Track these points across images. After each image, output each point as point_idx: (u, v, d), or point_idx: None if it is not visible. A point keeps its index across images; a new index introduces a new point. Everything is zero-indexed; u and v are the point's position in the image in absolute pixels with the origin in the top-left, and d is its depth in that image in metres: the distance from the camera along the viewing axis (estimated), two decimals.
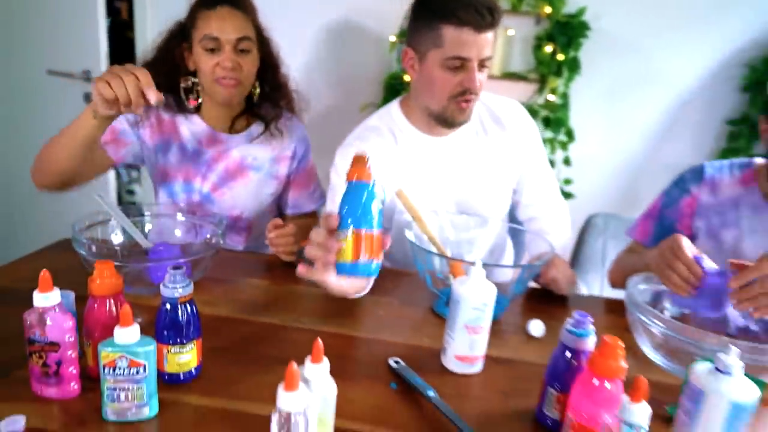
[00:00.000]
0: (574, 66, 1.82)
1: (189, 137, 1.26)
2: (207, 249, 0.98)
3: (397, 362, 0.81)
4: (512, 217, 1.35)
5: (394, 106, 1.26)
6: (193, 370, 0.73)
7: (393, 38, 1.91)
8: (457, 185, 1.25)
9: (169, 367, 0.71)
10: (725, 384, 0.59)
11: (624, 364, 0.61)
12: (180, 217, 1.14)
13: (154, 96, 0.87)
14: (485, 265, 0.82)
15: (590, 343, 0.68)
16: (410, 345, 0.89)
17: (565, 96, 1.86)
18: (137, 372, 0.63)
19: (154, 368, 0.64)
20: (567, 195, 1.96)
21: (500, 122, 1.25)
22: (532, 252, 1.17)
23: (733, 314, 0.97)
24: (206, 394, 0.72)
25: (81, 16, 1.98)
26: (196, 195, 1.28)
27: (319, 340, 0.58)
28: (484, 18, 1.02)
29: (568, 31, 1.79)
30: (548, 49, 1.81)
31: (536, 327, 0.95)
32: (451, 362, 0.82)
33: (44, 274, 0.64)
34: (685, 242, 0.94)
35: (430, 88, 1.12)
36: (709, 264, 0.92)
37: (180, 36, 1.21)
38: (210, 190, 1.28)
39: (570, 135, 1.90)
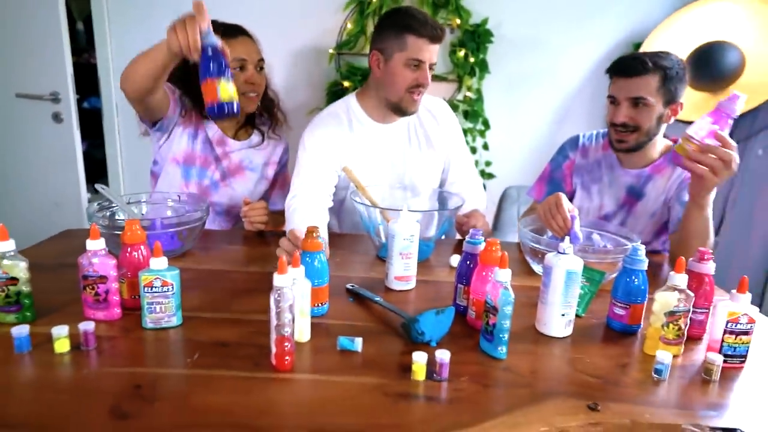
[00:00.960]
0: (483, 66, 2.18)
1: (209, 133, 1.53)
2: (195, 221, 1.24)
3: (352, 285, 1.10)
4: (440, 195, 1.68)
5: (352, 97, 1.58)
6: (234, 105, 1.02)
7: (331, 50, 2.21)
8: (399, 164, 1.57)
9: (223, 95, 0.99)
10: (562, 260, 0.92)
11: (499, 254, 0.93)
12: (170, 203, 1.38)
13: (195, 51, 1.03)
14: (411, 211, 1.12)
15: (480, 248, 0.99)
16: (362, 277, 1.18)
17: (479, 92, 2.22)
18: (168, 290, 0.89)
19: (179, 287, 0.90)
20: (489, 175, 2.32)
21: (433, 115, 1.61)
22: (451, 207, 1.50)
23: (595, 239, 1.32)
24: (215, 311, 0.98)
25: (47, 43, 2.16)
26: (207, 180, 1.54)
27: (298, 253, 0.87)
28: (437, 34, 1.40)
29: (475, 38, 2.15)
30: (461, 53, 2.16)
31: (455, 260, 1.27)
32: (392, 282, 1.12)
33: (93, 227, 0.89)
34: (564, 200, 1.26)
35: (393, 82, 1.45)
36: (577, 221, 1.25)
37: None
38: (219, 179, 1.56)
39: (486, 124, 2.26)
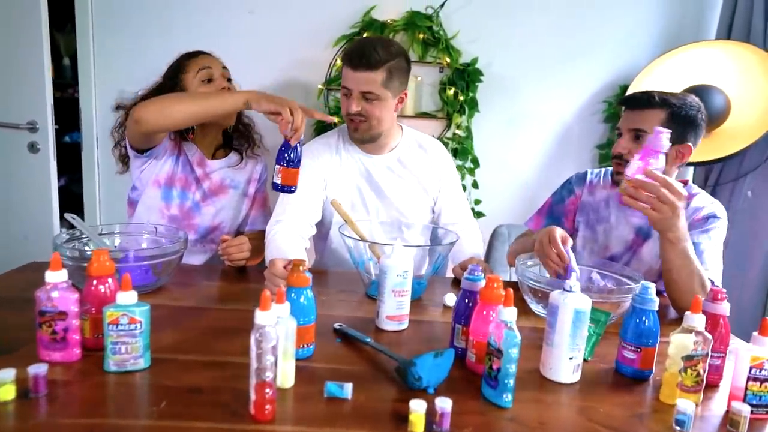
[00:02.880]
0: (472, 105, 2.18)
1: (188, 154, 1.50)
2: (172, 254, 1.15)
3: (340, 325, 1.02)
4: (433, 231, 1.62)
5: (344, 127, 1.56)
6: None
7: (320, 86, 2.19)
8: (386, 197, 1.52)
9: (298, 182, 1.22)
10: (569, 298, 0.85)
11: (502, 291, 0.86)
12: (146, 234, 1.30)
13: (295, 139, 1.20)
14: (405, 245, 1.06)
15: (481, 285, 0.92)
16: (350, 316, 1.10)
17: (468, 129, 2.20)
18: (136, 328, 0.79)
19: (148, 325, 0.81)
20: (479, 214, 2.27)
21: (425, 150, 1.58)
22: (457, 259, 1.43)
23: (595, 278, 1.26)
24: (188, 352, 0.89)
25: (28, 71, 2.10)
26: (188, 202, 1.49)
27: (282, 287, 0.78)
28: (356, 62, 1.37)
29: (465, 77, 2.15)
30: (451, 92, 2.16)
31: (450, 298, 1.19)
32: (383, 322, 1.04)
33: (55, 256, 0.80)
34: (557, 232, 1.21)
35: (341, 110, 1.47)
36: (572, 255, 1.20)
37: (170, 85, 1.45)
38: (199, 200, 1.51)
39: (475, 162, 2.23)
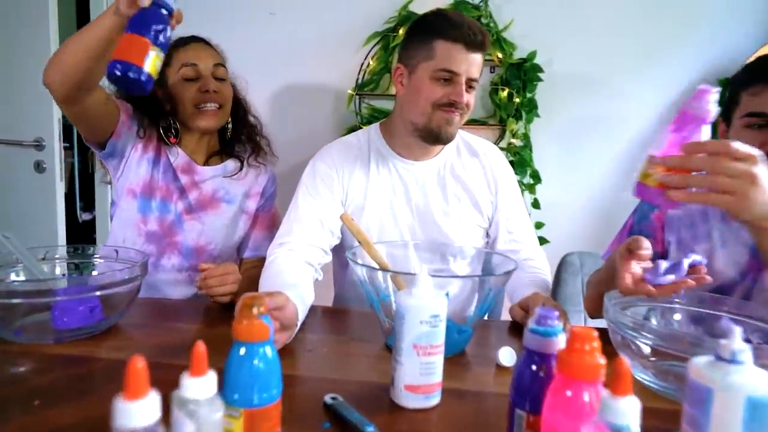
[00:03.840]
0: (531, 108, 1.81)
1: (171, 159, 1.24)
2: (122, 282, 0.85)
3: (334, 398, 0.66)
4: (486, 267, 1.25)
5: (374, 127, 1.25)
6: (150, 82, 0.77)
7: (350, 91, 1.89)
8: (427, 216, 1.19)
9: (150, 67, 0.76)
10: (737, 375, 0.46)
11: (602, 360, 0.48)
12: (98, 260, 1.00)
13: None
14: (435, 276, 0.69)
15: (560, 344, 0.54)
16: (357, 381, 0.74)
17: (526, 137, 1.83)
18: None
19: None
20: (542, 240, 1.86)
21: (477, 155, 1.25)
22: (516, 296, 1.06)
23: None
24: None
25: (36, 88, 1.94)
26: (170, 215, 1.22)
27: (201, 344, 0.44)
28: (476, 38, 1.07)
29: (521, 75, 1.79)
30: (505, 93, 1.80)
31: (507, 355, 0.81)
32: (400, 395, 0.67)
33: None
34: (640, 241, 0.83)
35: (417, 98, 1.12)
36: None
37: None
38: (181, 212, 1.23)
39: (536, 177, 1.84)
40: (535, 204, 1.86)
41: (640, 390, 0.74)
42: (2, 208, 2.07)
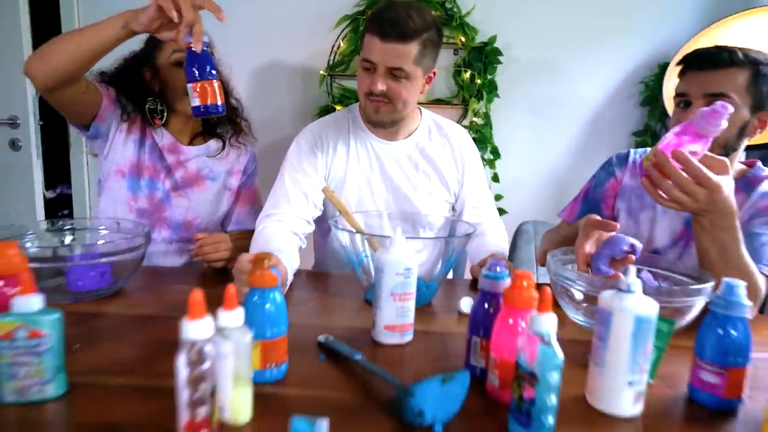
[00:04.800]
0: (491, 89, 1.95)
1: (157, 140, 1.32)
2: (127, 251, 0.96)
3: (326, 338, 0.80)
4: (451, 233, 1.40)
5: (354, 107, 1.36)
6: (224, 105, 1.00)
7: (322, 72, 1.99)
8: (400, 190, 1.31)
9: (221, 97, 0.98)
10: (628, 301, 0.62)
11: (535, 293, 0.63)
12: (103, 230, 1.10)
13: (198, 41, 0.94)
14: (408, 238, 0.84)
15: (505, 285, 0.70)
16: (342, 327, 0.88)
17: (487, 116, 1.98)
18: (38, 344, 0.59)
19: (59, 340, 0.60)
20: (501, 211, 2.04)
21: (447, 137, 1.36)
22: (476, 258, 1.21)
23: (646, 276, 1.03)
24: (123, 373, 0.68)
25: (8, 64, 1.95)
26: (159, 192, 1.31)
27: (231, 286, 0.57)
28: (391, 29, 1.13)
29: (482, 58, 1.93)
30: (467, 74, 1.94)
31: (467, 303, 0.97)
32: (380, 334, 0.82)
33: None
34: (595, 219, 0.99)
35: (358, 88, 1.24)
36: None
37: (142, 61, 1.29)
38: (170, 189, 1.32)
39: (495, 153, 2.01)
40: (495, 178, 2.03)
41: (576, 328, 0.91)
42: None
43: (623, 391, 0.63)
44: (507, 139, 2.04)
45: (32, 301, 0.59)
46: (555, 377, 0.54)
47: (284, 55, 2.02)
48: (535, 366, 0.55)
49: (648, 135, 1.99)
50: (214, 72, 0.97)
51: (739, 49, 1.02)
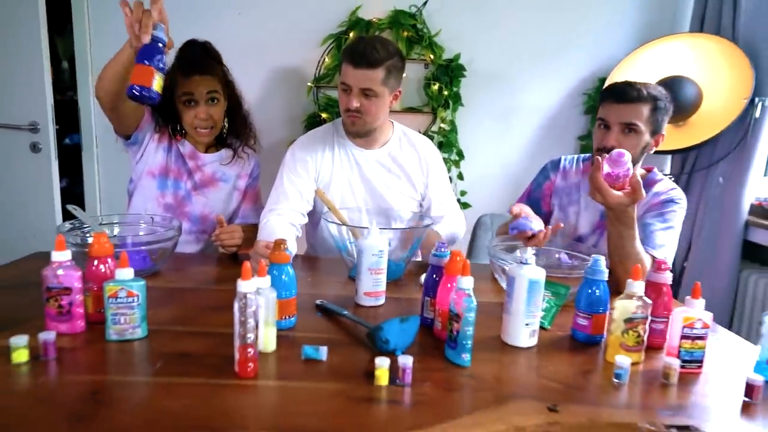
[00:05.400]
0: (456, 99, 2.26)
1: (181, 148, 1.60)
2: (167, 240, 1.25)
3: (321, 302, 1.11)
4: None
5: (338, 121, 1.65)
6: (157, 98, 1.06)
7: (309, 84, 2.27)
8: (376, 190, 1.61)
9: (156, 84, 1.05)
10: (525, 270, 0.94)
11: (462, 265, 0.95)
12: (143, 224, 1.39)
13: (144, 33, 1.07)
14: (380, 228, 1.15)
15: (446, 260, 1.01)
16: (333, 295, 1.18)
17: (452, 123, 2.29)
18: (133, 301, 0.88)
19: (144, 299, 0.90)
20: (465, 204, 2.36)
21: (416, 150, 1.65)
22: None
23: (563, 257, 1.35)
24: (182, 325, 0.98)
25: (29, 74, 2.19)
26: (182, 191, 1.59)
27: (264, 263, 0.88)
28: (361, 59, 1.43)
29: (448, 72, 2.23)
30: (435, 87, 2.24)
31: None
32: (361, 298, 1.13)
33: (59, 238, 0.89)
34: (520, 206, 1.31)
35: (339, 105, 1.54)
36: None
37: (168, 89, 1.51)
38: (190, 189, 1.60)
39: (460, 154, 2.32)
40: (460, 176, 2.34)
41: (503, 291, 1.23)
42: (2, 186, 2.33)
43: (522, 329, 0.95)
44: (470, 142, 2.35)
45: (127, 272, 0.88)
46: (472, 316, 0.85)
47: (276, 68, 2.29)
48: (461, 310, 0.86)
49: (590, 139, 2.32)
50: (158, 64, 1.06)
51: (643, 86, 1.34)
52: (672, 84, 2.07)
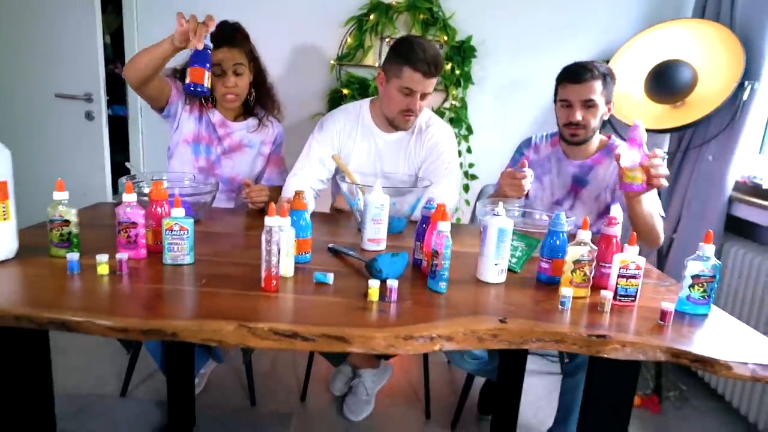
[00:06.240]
0: (467, 78, 2.44)
1: (212, 117, 1.83)
2: (207, 192, 1.50)
3: (333, 245, 1.35)
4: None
5: (366, 103, 1.85)
6: (207, 91, 1.42)
7: (332, 62, 2.49)
8: (387, 167, 1.82)
9: (207, 82, 1.40)
10: (495, 220, 1.16)
11: (448, 215, 1.17)
12: (186, 181, 1.65)
13: (199, 42, 1.37)
14: (383, 187, 1.37)
15: (432, 212, 1.23)
16: (343, 241, 1.42)
17: (463, 101, 2.48)
18: (184, 233, 1.14)
19: (192, 233, 1.15)
20: (473, 176, 2.56)
21: (424, 132, 1.83)
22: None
23: (541, 218, 1.56)
24: (220, 257, 1.23)
25: (83, 50, 2.47)
26: (213, 156, 1.84)
27: (285, 205, 1.11)
28: (431, 71, 1.61)
29: (461, 53, 2.41)
30: (448, 66, 2.43)
31: None
32: (365, 244, 1.36)
33: (128, 184, 1.15)
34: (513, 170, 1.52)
35: (389, 102, 1.72)
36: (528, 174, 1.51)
37: None
38: (220, 154, 1.85)
39: (469, 129, 2.51)
40: (469, 150, 2.54)
41: None
42: (59, 150, 2.63)
43: (492, 268, 1.17)
44: (479, 118, 2.54)
45: (180, 211, 1.13)
46: (448, 252, 1.07)
47: (303, 46, 2.51)
48: (439, 248, 1.08)
49: None
50: (207, 65, 1.39)
51: (594, 65, 1.54)
52: (668, 67, 2.21)
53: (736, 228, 2.17)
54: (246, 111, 1.90)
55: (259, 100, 1.90)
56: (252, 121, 1.90)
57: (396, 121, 1.73)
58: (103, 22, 3.58)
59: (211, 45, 1.41)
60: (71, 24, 2.46)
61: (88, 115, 2.54)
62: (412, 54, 1.60)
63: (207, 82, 1.40)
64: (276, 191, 1.81)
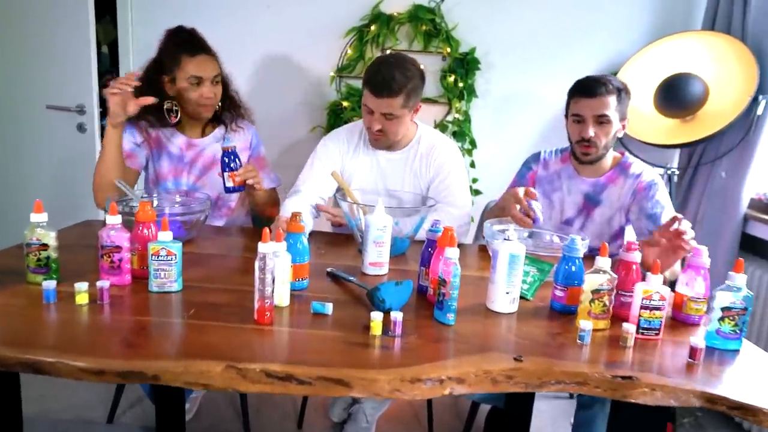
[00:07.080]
0: (471, 91, 2.37)
1: (173, 146, 1.71)
2: (198, 212, 1.42)
3: (332, 269, 1.26)
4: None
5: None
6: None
7: (332, 73, 2.42)
8: (391, 184, 1.74)
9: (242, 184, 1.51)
10: (506, 245, 1.07)
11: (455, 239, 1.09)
12: (177, 198, 1.57)
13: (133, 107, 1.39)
14: (385, 207, 1.29)
15: (439, 235, 1.15)
16: (342, 264, 1.34)
17: (466, 114, 2.40)
18: (171, 259, 1.05)
19: (180, 258, 1.07)
20: (476, 191, 2.48)
21: (430, 153, 1.73)
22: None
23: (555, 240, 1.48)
24: (211, 283, 1.15)
25: (77, 60, 2.40)
26: (183, 187, 1.73)
27: (280, 228, 1.03)
28: (380, 93, 1.53)
29: (464, 65, 2.34)
30: (451, 79, 2.36)
31: None
32: (367, 268, 1.28)
33: (113, 205, 1.07)
34: (522, 190, 1.43)
35: (363, 120, 1.66)
36: (536, 206, 1.42)
37: (161, 70, 1.64)
38: (194, 182, 1.74)
39: (473, 143, 2.44)
40: (472, 164, 2.46)
41: None
42: (51, 160, 2.55)
43: (502, 297, 1.08)
44: (482, 132, 2.46)
45: (167, 235, 1.05)
46: (456, 281, 0.99)
47: (303, 58, 2.44)
48: (447, 276, 1.00)
49: None
50: (239, 164, 1.51)
51: (607, 80, 1.47)
52: (679, 81, 2.14)
53: (752, 247, 2.09)
54: (213, 120, 1.76)
55: (226, 106, 1.76)
56: (220, 132, 1.76)
57: (370, 140, 1.68)
58: (100, 32, 3.56)
59: (234, 144, 1.53)
60: (64, 35, 2.40)
61: (80, 128, 2.46)
62: (368, 73, 1.59)
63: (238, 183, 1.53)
64: (269, 193, 1.73)
